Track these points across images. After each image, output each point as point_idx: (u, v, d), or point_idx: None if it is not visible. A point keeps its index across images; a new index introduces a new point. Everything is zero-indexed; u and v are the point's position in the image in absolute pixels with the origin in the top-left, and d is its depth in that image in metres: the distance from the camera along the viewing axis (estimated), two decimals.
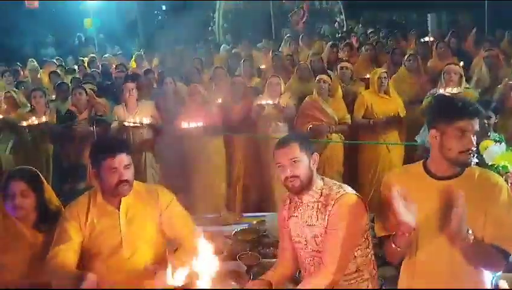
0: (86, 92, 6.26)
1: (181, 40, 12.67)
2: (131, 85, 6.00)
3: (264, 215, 4.53)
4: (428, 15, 11.97)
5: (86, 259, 2.79)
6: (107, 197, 2.76)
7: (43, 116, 6.07)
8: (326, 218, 2.63)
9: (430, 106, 4.59)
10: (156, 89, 7.18)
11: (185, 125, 5.65)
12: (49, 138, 6.19)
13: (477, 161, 3.30)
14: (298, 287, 2.70)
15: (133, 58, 10.77)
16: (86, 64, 11.07)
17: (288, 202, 2.86)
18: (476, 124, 2.30)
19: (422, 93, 6.12)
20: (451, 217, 2.16)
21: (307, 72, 6.73)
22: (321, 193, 2.69)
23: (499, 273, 2.67)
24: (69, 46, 16.75)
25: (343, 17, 15.48)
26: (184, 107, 6.01)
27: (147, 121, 5.87)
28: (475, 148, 2.31)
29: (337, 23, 15.58)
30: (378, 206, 2.58)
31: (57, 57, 12.74)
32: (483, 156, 3.44)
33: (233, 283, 3.32)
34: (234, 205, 6.02)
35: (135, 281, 2.72)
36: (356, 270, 2.69)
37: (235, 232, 4.19)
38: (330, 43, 9.37)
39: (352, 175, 5.92)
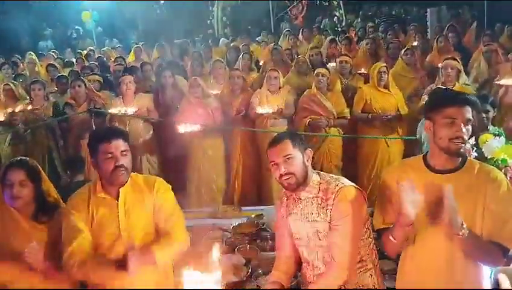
0: (85, 84, 6.24)
1: (180, 33, 12.65)
2: (128, 78, 5.99)
3: (262, 209, 4.55)
4: (428, 9, 11.95)
5: None
6: (106, 188, 2.76)
7: (42, 109, 6.05)
8: (329, 213, 2.62)
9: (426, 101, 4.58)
10: (154, 82, 7.16)
11: (184, 119, 5.63)
12: (47, 130, 6.17)
13: (476, 154, 3.33)
14: (313, 286, 2.68)
15: (131, 52, 10.72)
16: (83, 57, 11.03)
17: (285, 199, 2.84)
18: (466, 113, 2.29)
19: (420, 88, 6.12)
20: (443, 210, 2.17)
21: (306, 66, 6.72)
22: (319, 187, 2.68)
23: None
24: (67, 39, 16.72)
25: (342, 11, 15.43)
26: (183, 100, 6.00)
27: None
28: (467, 137, 2.30)
29: (336, 17, 15.53)
30: (377, 199, 2.59)
31: (55, 50, 12.71)
32: (483, 149, 3.44)
33: (232, 275, 3.33)
34: (232, 198, 6.04)
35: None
36: (360, 261, 2.68)
37: (234, 225, 4.22)
38: (329, 37, 9.37)
39: (351, 169, 5.91)
